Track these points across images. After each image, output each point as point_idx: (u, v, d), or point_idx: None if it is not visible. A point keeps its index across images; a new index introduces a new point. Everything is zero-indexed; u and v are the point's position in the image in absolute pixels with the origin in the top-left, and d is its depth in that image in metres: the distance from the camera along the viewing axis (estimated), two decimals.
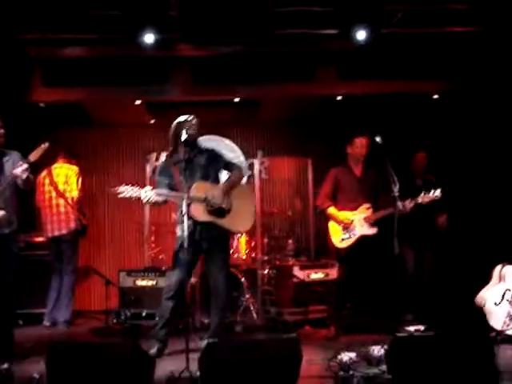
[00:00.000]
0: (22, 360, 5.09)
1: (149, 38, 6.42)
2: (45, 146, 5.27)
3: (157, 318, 5.63)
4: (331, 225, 6.34)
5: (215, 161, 5.62)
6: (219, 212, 5.43)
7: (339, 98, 7.60)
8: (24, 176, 5.17)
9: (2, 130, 5.43)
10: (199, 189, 5.36)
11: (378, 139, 5.59)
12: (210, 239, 5.47)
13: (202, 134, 5.88)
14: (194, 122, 5.48)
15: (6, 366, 4.40)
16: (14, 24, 6.29)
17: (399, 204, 5.43)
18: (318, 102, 7.95)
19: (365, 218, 6.21)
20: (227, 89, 7.37)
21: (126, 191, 5.23)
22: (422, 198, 6.03)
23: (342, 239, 6.22)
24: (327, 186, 6.50)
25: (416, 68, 7.24)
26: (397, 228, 5.23)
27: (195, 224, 5.34)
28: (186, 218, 4.95)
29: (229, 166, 5.69)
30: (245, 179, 6.63)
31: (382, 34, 6.53)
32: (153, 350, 5.25)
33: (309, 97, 7.70)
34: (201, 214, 5.35)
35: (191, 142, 5.48)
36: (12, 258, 5.45)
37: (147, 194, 5.20)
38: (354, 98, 7.60)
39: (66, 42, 6.76)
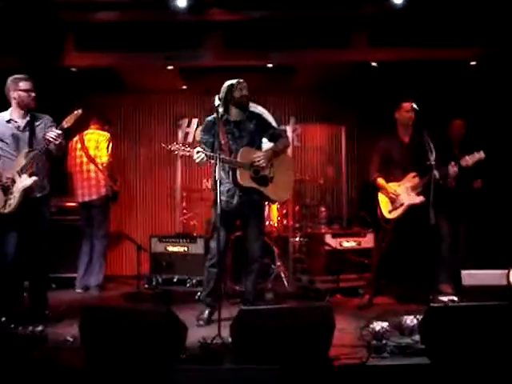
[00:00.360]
0: (56, 323, 5.17)
1: (181, 2, 6.39)
2: (78, 112, 5.30)
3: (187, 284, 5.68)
4: (380, 195, 6.26)
5: (262, 127, 5.60)
6: (263, 179, 5.46)
7: (374, 64, 7.44)
8: (57, 142, 5.19)
9: (34, 94, 5.43)
10: (246, 155, 5.39)
11: (414, 105, 5.54)
12: (249, 204, 5.48)
13: None
14: (245, 84, 5.45)
15: (40, 328, 4.50)
16: None
17: (435, 172, 5.33)
18: (351, 68, 7.81)
19: (411, 187, 6.11)
20: (260, 54, 7.24)
21: (179, 150, 5.28)
22: (467, 161, 5.93)
23: (391, 210, 6.14)
24: (375, 158, 6.40)
25: (452, 33, 7.00)
26: (433, 198, 5.16)
27: (237, 189, 5.38)
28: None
29: (276, 134, 5.66)
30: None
31: None
32: (203, 316, 5.39)
33: (343, 63, 7.55)
34: (246, 179, 5.38)
35: (241, 104, 5.46)
36: (43, 222, 5.49)
37: (199, 154, 5.19)
38: (388, 64, 7.43)
39: (99, 5, 6.70)
